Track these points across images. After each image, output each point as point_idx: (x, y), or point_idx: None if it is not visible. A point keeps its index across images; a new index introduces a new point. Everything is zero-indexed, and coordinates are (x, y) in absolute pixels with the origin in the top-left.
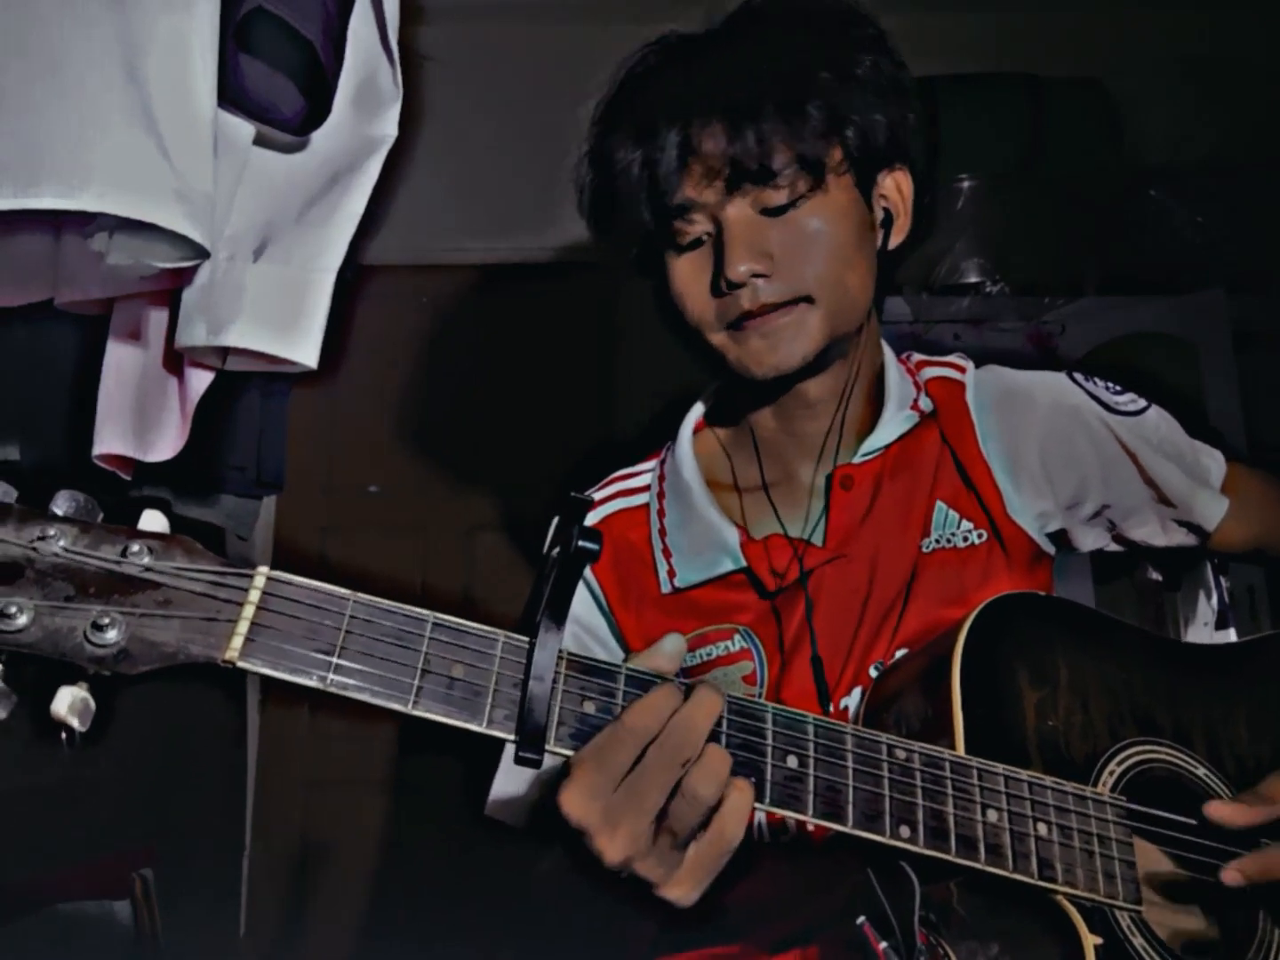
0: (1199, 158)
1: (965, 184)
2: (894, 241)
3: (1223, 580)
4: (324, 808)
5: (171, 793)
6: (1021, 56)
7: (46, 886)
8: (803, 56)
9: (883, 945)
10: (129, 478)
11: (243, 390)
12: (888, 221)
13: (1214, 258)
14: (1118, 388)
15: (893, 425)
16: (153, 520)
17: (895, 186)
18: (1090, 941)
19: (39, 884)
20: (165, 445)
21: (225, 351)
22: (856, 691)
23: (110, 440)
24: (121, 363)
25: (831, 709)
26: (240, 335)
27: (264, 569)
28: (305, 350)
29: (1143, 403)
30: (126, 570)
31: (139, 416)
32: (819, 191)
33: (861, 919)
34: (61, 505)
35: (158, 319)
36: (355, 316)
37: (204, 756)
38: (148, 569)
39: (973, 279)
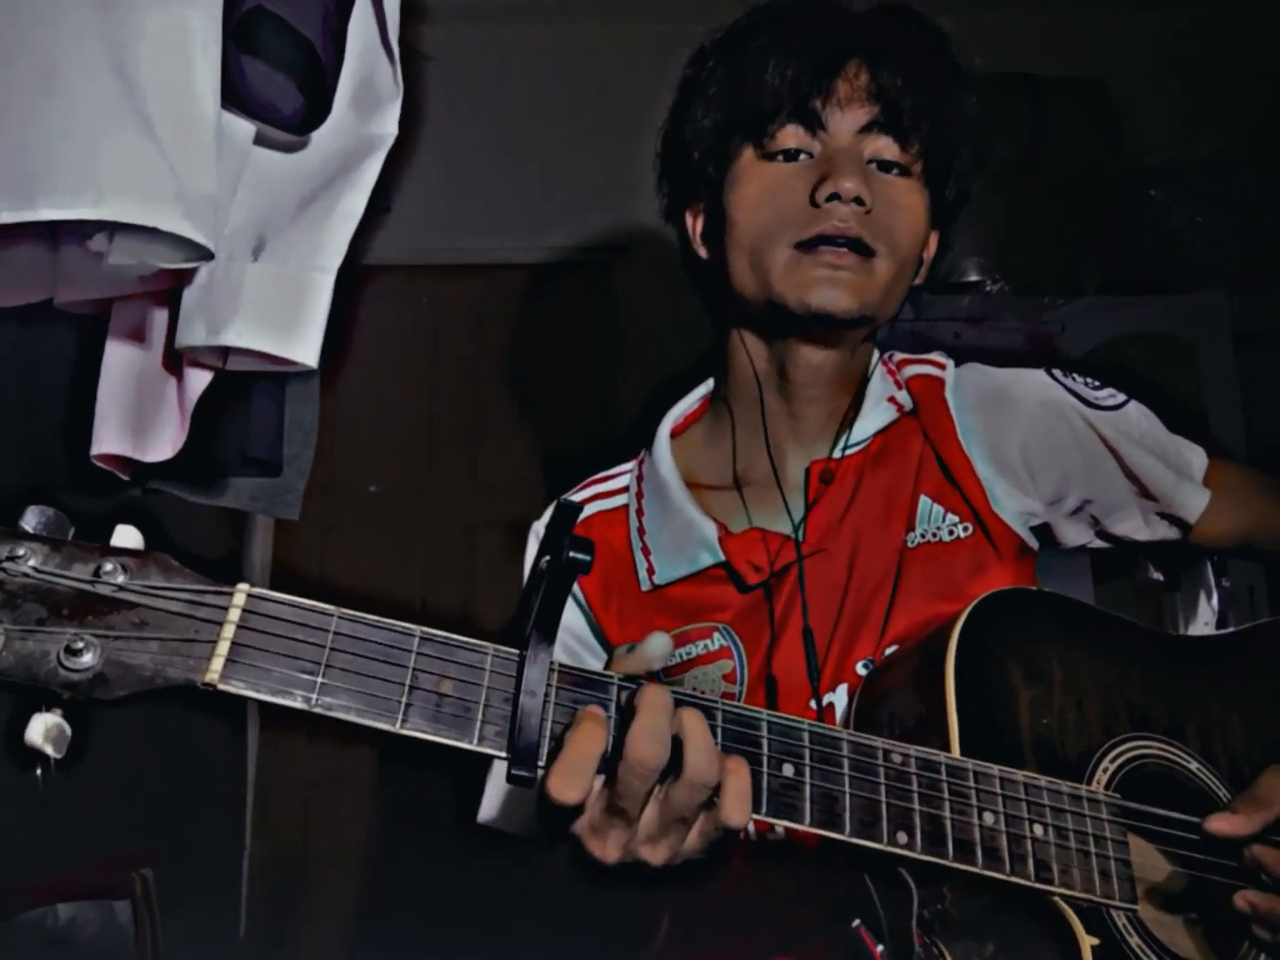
0: (1199, 158)
1: None
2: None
3: (1223, 580)
4: (324, 808)
5: (171, 793)
6: (1021, 56)
7: (46, 886)
8: (963, 75)
9: (879, 949)
10: (127, 478)
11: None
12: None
13: (1214, 258)
14: (1096, 383)
15: (872, 418)
16: (127, 536)
17: (929, 241)
18: (1087, 942)
19: (39, 884)
20: (164, 445)
21: (225, 351)
22: (842, 689)
23: (109, 440)
24: (120, 362)
25: (816, 704)
26: (239, 335)
27: (244, 586)
28: (305, 350)
29: (1121, 397)
30: (100, 590)
31: (138, 416)
32: (917, 182)
33: (857, 922)
34: (31, 521)
35: (157, 319)
36: (356, 316)
37: (204, 756)
38: (121, 588)
39: (973, 278)
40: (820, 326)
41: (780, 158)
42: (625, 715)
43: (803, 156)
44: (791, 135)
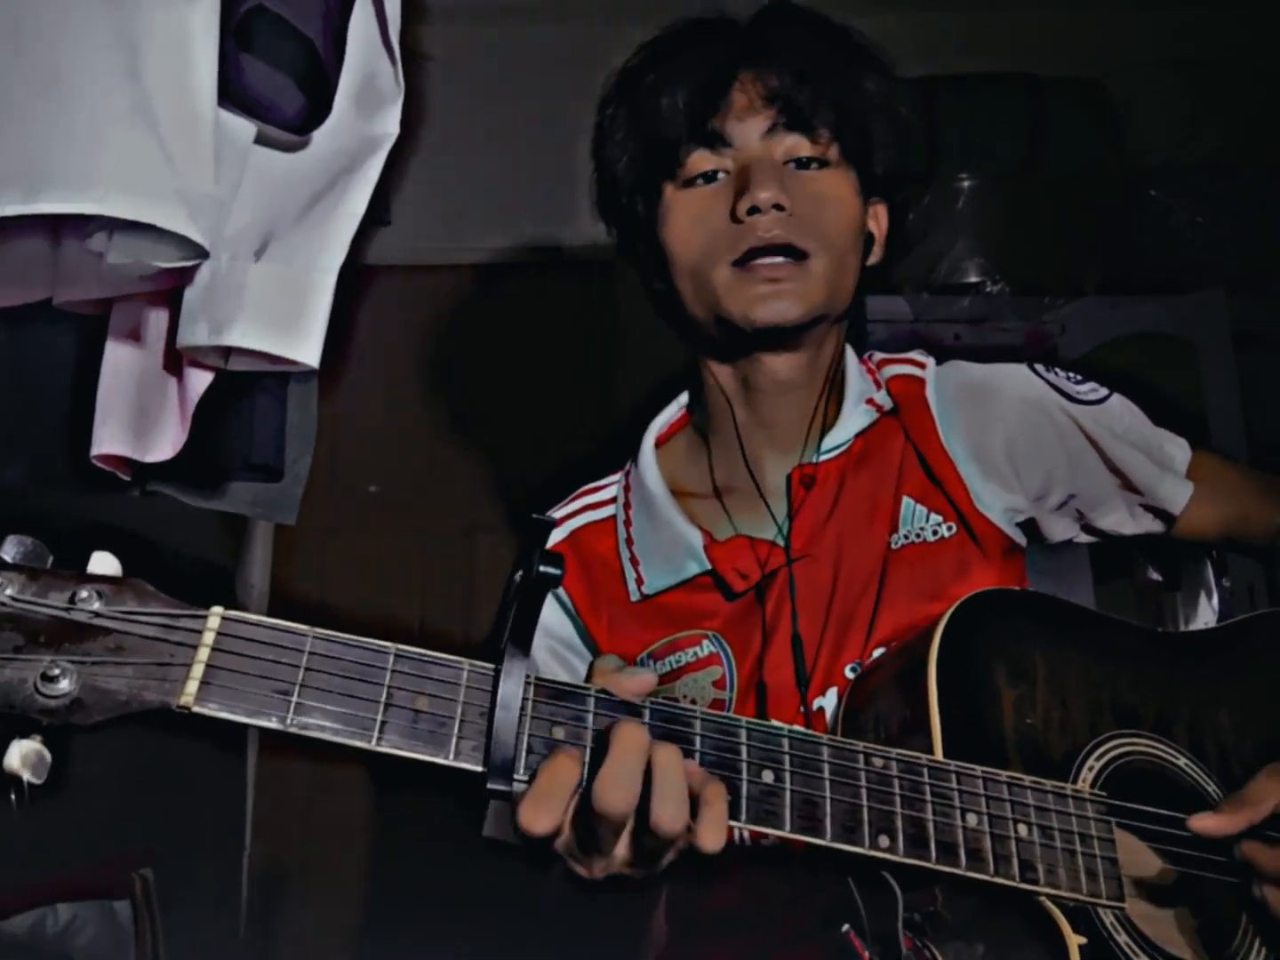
0: (1199, 158)
1: (965, 184)
2: (868, 260)
3: (1224, 580)
4: (323, 808)
5: (172, 793)
6: (1021, 56)
7: (47, 886)
8: (860, 56)
9: (868, 952)
10: (128, 478)
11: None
12: (869, 242)
13: (1214, 258)
14: (1079, 377)
15: (851, 421)
16: (103, 563)
17: (874, 215)
18: (1074, 942)
19: (39, 884)
20: (164, 445)
21: (227, 351)
22: (831, 693)
23: (109, 441)
24: (120, 363)
25: (805, 709)
26: (241, 335)
27: (218, 609)
28: (307, 350)
29: (1104, 391)
30: (76, 617)
31: (138, 417)
32: (839, 168)
33: (846, 926)
34: (10, 551)
35: (157, 319)
36: (355, 317)
37: (204, 756)
38: (97, 614)
39: (973, 279)
40: (771, 339)
41: (700, 181)
42: (599, 747)
43: (720, 175)
44: (701, 159)
